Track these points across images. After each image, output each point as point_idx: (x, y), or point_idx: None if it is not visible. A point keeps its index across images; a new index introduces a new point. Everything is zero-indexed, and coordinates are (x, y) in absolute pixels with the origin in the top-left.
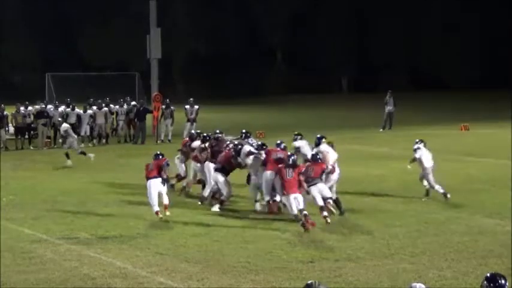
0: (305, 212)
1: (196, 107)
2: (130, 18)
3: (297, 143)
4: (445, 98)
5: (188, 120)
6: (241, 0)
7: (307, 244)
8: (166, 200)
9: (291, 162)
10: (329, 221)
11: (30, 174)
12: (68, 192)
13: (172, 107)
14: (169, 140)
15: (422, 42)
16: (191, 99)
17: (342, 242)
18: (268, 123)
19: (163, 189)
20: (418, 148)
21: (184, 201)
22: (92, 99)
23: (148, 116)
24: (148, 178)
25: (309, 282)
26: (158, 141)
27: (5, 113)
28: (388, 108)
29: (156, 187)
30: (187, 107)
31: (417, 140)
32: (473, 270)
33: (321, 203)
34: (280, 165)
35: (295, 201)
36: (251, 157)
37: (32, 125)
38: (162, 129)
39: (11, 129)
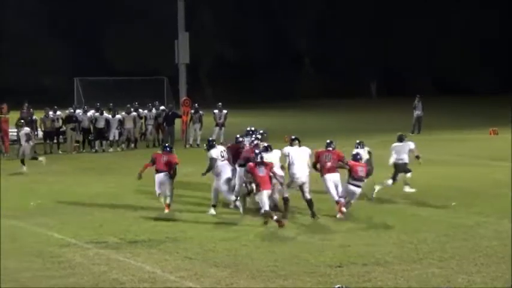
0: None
1: (224, 111)
2: (158, 22)
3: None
4: (471, 102)
5: (217, 125)
6: (269, 4)
7: (335, 248)
8: (168, 200)
9: (259, 159)
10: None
11: (58, 178)
12: (96, 197)
13: (201, 112)
14: (197, 145)
15: (446, 46)
16: (219, 103)
17: (370, 247)
18: (298, 128)
19: (169, 187)
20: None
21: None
22: (111, 104)
23: (177, 121)
24: (158, 171)
25: (337, 286)
26: (187, 146)
27: (33, 117)
28: (417, 112)
29: (164, 182)
30: (215, 111)
31: (357, 142)
32: (503, 274)
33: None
34: (250, 164)
35: (267, 198)
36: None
37: (61, 130)
38: (191, 134)
39: (40, 133)
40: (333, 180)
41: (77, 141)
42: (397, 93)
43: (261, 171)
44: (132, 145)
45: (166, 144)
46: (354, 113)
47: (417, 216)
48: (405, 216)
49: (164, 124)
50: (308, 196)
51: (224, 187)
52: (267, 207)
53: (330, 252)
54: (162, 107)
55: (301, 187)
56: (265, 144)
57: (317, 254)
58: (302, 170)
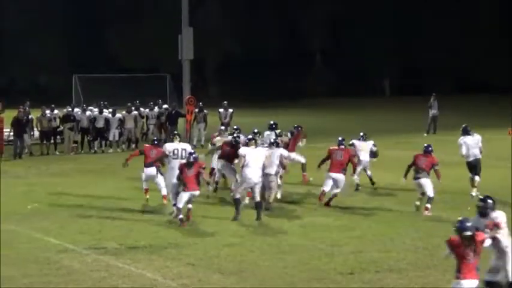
0: (190, 206)
1: (230, 110)
2: (161, 17)
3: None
4: (490, 101)
5: (222, 125)
6: (279, 0)
7: (346, 255)
8: (163, 191)
9: (191, 159)
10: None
11: (55, 180)
12: (95, 200)
13: (205, 111)
14: (202, 145)
15: (466, 44)
16: (225, 102)
17: (382, 253)
18: (308, 127)
19: (159, 179)
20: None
21: (216, 209)
22: (102, 103)
23: (181, 120)
24: (146, 165)
25: None
26: (191, 146)
27: (30, 116)
28: (433, 111)
29: (152, 177)
30: (221, 110)
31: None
32: None
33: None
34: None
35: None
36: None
37: (58, 130)
38: (195, 134)
39: (36, 133)
40: (335, 178)
41: (75, 142)
42: (411, 92)
43: (189, 172)
44: (133, 146)
45: (155, 138)
46: (365, 112)
47: (432, 221)
48: (419, 221)
49: (167, 124)
50: (258, 198)
51: (172, 188)
52: (180, 205)
53: (341, 259)
54: (164, 106)
55: (252, 188)
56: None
57: (327, 261)
58: (255, 172)
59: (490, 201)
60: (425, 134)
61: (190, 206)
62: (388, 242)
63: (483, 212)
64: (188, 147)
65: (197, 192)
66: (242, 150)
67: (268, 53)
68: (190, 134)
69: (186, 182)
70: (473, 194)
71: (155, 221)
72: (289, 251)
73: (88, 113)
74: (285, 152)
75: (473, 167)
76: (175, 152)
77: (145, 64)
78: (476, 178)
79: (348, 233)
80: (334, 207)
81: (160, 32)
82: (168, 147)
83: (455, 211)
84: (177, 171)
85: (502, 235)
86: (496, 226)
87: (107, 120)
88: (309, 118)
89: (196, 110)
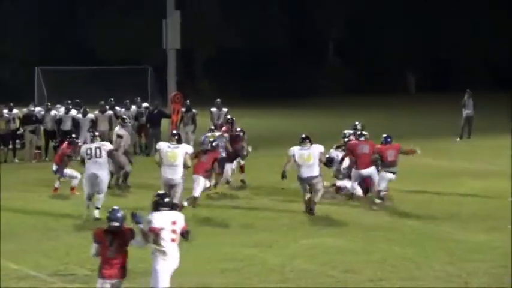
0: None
1: (224, 110)
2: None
3: None
4: None
5: (214, 127)
6: None
7: (363, 283)
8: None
9: (209, 147)
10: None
11: (14, 194)
12: (62, 217)
13: (194, 110)
14: None
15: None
16: (218, 100)
17: (407, 281)
18: (318, 131)
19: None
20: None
21: (211, 228)
22: (69, 101)
23: (165, 122)
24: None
25: None
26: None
27: None
28: (467, 111)
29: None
30: (213, 110)
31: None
32: None
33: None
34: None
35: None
36: None
37: (18, 133)
38: (182, 138)
39: None
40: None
41: (38, 147)
42: (441, 89)
43: (203, 158)
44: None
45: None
46: (387, 113)
47: (467, 243)
48: (450, 242)
49: (148, 125)
50: (175, 200)
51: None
52: (196, 194)
53: None
54: (145, 104)
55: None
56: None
57: None
58: (173, 171)
59: None
60: (458, 139)
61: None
62: (413, 269)
63: None
64: (106, 146)
65: (201, 179)
66: (158, 146)
67: (271, 43)
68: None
69: (195, 166)
70: None
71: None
72: (293, 278)
73: (53, 112)
74: (322, 149)
75: None
76: (89, 151)
77: (123, 54)
78: None
79: (365, 256)
80: (348, 225)
81: (141, 15)
82: (83, 148)
83: (495, 232)
84: (91, 172)
85: None
86: None
87: (75, 121)
88: (318, 120)
89: (184, 109)
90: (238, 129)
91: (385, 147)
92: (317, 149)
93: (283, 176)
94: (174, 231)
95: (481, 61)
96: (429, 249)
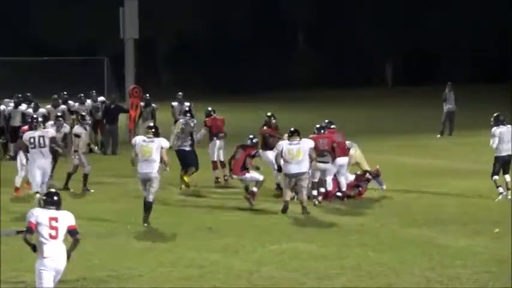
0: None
1: (187, 104)
2: None
3: None
4: None
5: (176, 122)
6: None
7: None
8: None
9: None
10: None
11: None
12: (14, 220)
13: (154, 105)
14: None
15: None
16: (180, 93)
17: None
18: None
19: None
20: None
21: (175, 230)
22: (19, 94)
23: (122, 117)
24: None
25: None
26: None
27: None
28: (448, 106)
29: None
30: (175, 104)
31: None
32: None
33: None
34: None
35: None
36: None
37: None
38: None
39: None
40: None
41: None
42: (420, 82)
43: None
44: (60, 150)
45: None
46: (361, 108)
47: (447, 248)
48: (430, 247)
49: (104, 121)
50: (151, 195)
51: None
52: (255, 189)
53: None
54: (100, 98)
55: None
56: None
57: None
58: (148, 166)
59: None
60: (438, 136)
61: (254, 189)
62: (390, 275)
63: None
64: (49, 133)
65: (242, 177)
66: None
67: (237, 33)
68: (134, 136)
69: (233, 165)
70: (510, 197)
71: (90, 244)
72: (261, 286)
73: (1, 107)
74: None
75: (506, 163)
76: (32, 140)
77: (77, 44)
78: (507, 178)
79: (339, 262)
80: (321, 229)
81: (96, 3)
82: (26, 136)
83: (478, 236)
84: (36, 162)
85: None
86: None
87: (26, 117)
88: (287, 115)
89: (143, 103)
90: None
91: (318, 136)
92: (307, 144)
93: (280, 170)
94: (53, 228)
95: (465, 52)
96: (407, 254)
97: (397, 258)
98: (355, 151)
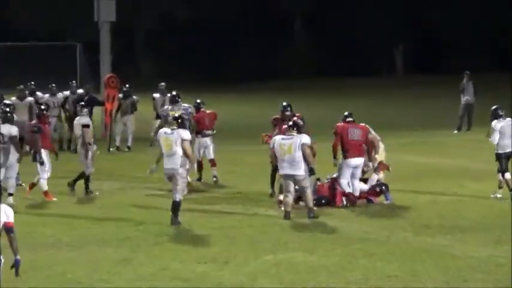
0: None
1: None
2: None
3: None
4: None
5: (158, 117)
6: None
7: None
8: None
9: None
10: None
11: None
12: None
13: (135, 97)
14: (128, 147)
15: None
16: (162, 84)
17: None
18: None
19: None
20: None
21: (158, 239)
22: None
23: (97, 110)
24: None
25: None
26: (111, 149)
27: None
28: (466, 98)
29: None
30: (156, 96)
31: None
32: None
33: None
34: None
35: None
36: None
37: None
38: (118, 130)
39: None
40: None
41: None
42: (434, 70)
43: None
44: (27, 148)
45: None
46: (366, 99)
47: (464, 258)
48: (445, 257)
49: (76, 115)
50: (177, 194)
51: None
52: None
53: None
54: (80, 91)
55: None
56: None
57: None
58: (170, 161)
59: None
60: (455, 131)
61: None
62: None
63: None
64: (11, 131)
65: None
66: None
67: (225, 17)
68: (111, 132)
69: None
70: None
71: (62, 256)
72: None
73: None
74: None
75: (506, 159)
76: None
77: (46, 29)
78: (508, 176)
79: (343, 274)
80: (322, 237)
81: None
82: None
83: (500, 245)
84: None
85: None
86: None
87: None
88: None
89: (121, 95)
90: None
91: (347, 125)
92: (300, 138)
93: (276, 170)
94: None
95: (483, 36)
96: (420, 265)
97: (408, 271)
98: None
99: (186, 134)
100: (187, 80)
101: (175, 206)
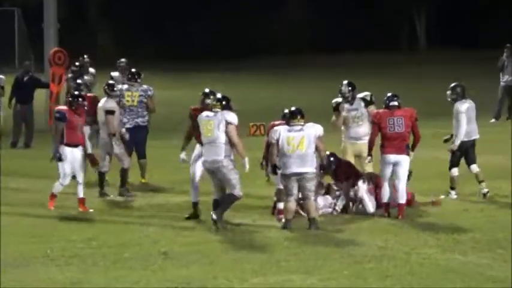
0: None
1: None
2: None
3: None
4: None
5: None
6: None
7: None
8: (81, 192)
9: None
10: None
11: None
12: None
13: (86, 77)
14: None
15: None
16: (123, 60)
17: None
18: (268, 107)
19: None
20: None
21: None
22: None
23: (40, 94)
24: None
25: None
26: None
27: None
28: (506, 77)
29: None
30: (115, 74)
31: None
32: None
33: None
34: None
35: None
36: None
37: None
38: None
39: None
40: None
41: None
42: (464, 42)
43: None
44: None
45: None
46: (380, 79)
47: (504, 280)
48: (480, 279)
49: (13, 100)
50: (235, 192)
51: None
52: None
53: None
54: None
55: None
56: None
57: None
58: (210, 150)
59: None
60: (493, 120)
61: None
62: None
63: None
64: None
65: None
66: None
67: None
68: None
69: None
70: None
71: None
72: None
73: None
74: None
75: (471, 149)
76: None
77: None
78: (474, 168)
79: None
80: (325, 255)
81: None
82: None
83: None
84: None
85: None
86: None
87: None
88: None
89: (70, 74)
90: None
91: (386, 112)
92: (314, 130)
93: (274, 169)
94: None
95: None
96: (448, 281)
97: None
98: None
99: (231, 116)
100: (154, 56)
101: (230, 200)
